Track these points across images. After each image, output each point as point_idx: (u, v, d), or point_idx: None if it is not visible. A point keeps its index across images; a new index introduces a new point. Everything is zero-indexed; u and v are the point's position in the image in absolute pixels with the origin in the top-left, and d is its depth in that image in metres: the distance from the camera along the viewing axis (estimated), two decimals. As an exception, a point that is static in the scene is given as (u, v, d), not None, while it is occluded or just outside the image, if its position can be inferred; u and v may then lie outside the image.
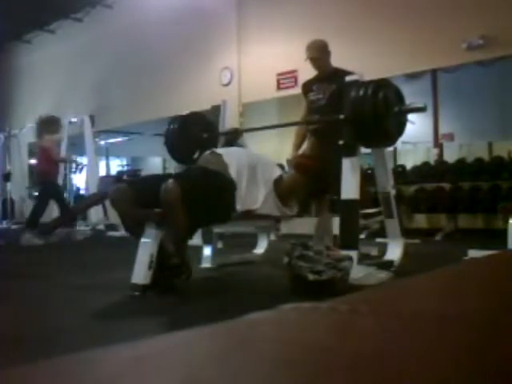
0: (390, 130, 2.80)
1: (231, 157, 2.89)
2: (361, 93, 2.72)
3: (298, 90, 4.67)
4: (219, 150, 3.09)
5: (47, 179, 6.11)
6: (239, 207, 2.75)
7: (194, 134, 3.41)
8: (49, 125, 6.25)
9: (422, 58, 6.43)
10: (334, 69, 3.87)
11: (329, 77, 3.75)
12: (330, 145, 3.16)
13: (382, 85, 2.80)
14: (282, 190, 2.93)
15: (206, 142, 3.39)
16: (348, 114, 2.78)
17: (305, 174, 2.98)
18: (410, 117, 3.00)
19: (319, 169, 3.02)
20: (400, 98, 2.87)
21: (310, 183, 3.00)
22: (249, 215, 2.88)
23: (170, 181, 2.49)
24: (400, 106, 2.83)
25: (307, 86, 3.92)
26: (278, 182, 2.95)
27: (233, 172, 2.78)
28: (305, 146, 3.82)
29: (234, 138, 3.63)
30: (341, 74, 3.58)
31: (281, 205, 2.95)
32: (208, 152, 3.12)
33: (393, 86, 2.88)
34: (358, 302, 0.62)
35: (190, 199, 2.50)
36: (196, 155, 3.37)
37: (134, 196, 2.64)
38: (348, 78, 3.48)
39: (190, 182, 2.61)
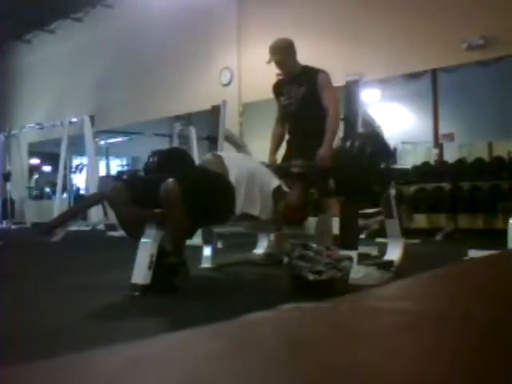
0: (375, 190, 2.76)
1: (232, 161, 2.90)
2: (346, 149, 2.67)
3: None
4: (221, 153, 3.09)
5: None
6: (238, 211, 2.76)
7: (174, 171, 3.32)
8: None
9: (421, 58, 6.43)
10: (301, 68, 3.54)
11: (297, 78, 3.49)
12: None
13: (369, 141, 2.75)
14: (279, 214, 2.95)
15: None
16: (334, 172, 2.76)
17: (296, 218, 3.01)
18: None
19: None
20: (388, 153, 2.80)
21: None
22: (248, 217, 2.89)
23: (170, 180, 2.50)
24: (387, 163, 2.74)
25: (277, 89, 3.65)
26: (277, 194, 2.94)
27: (232, 176, 2.78)
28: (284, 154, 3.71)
29: None
30: (308, 72, 3.47)
31: (280, 217, 2.97)
32: (209, 154, 3.13)
33: (381, 140, 2.82)
34: (357, 302, 0.62)
35: (189, 199, 2.50)
36: None
37: (132, 196, 2.64)
38: (320, 76, 3.44)
39: (190, 182, 2.61)
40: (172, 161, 3.33)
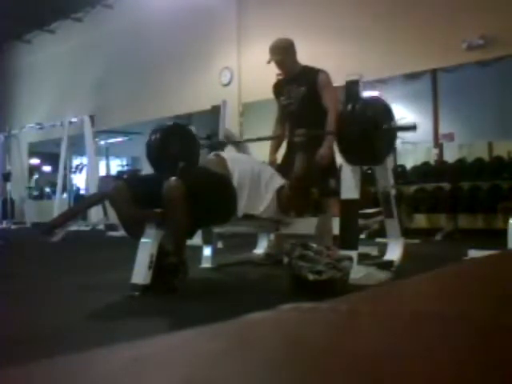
0: (378, 150, 2.76)
1: (234, 163, 2.90)
2: (348, 112, 2.66)
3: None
4: (224, 154, 3.08)
5: None
6: (239, 213, 2.76)
7: (176, 147, 3.23)
8: None
9: (421, 58, 6.43)
10: (301, 68, 3.54)
11: (297, 78, 3.48)
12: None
13: (371, 103, 2.75)
14: (284, 204, 2.96)
15: (188, 156, 3.23)
16: (336, 132, 2.74)
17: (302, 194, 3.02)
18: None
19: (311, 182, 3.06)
20: (389, 114, 2.80)
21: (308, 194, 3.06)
22: (248, 217, 2.89)
23: (174, 178, 2.50)
24: (389, 124, 2.74)
25: (277, 89, 3.64)
26: (280, 192, 2.95)
27: (235, 177, 2.79)
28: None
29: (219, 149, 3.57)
30: (308, 72, 3.47)
31: (281, 213, 2.98)
32: (212, 154, 3.13)
33: (382, 102, 2.82)
34: (357, 302, 0.62)
35: (191, 198, 2.50)
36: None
37: (133, 195, 2.64)
38: (320, 76, 3.44)
39: (192, 181, 2.61)
40: (174, 137, 3.31)
